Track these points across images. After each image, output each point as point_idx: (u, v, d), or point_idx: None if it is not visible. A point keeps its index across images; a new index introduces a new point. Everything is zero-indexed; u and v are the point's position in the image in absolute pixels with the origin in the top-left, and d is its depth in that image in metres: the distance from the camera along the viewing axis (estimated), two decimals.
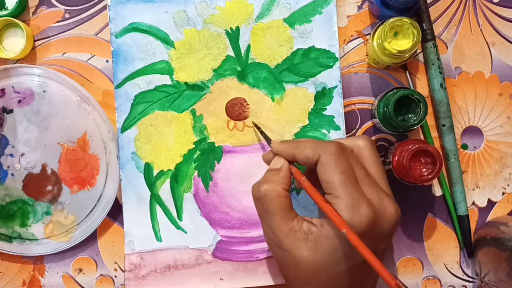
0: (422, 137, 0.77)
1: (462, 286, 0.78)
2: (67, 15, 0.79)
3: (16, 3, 0.77)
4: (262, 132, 0.72)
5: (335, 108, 0.75)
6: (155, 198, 0.75)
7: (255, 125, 0.75)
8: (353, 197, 0.57)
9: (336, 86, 0.75)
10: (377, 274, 0.58)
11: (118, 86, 0.76)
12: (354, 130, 0.78)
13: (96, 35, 0.79)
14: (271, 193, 0.61)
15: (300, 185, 0.62)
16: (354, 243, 0.55)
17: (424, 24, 0.75)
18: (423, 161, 0.71)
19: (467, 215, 0.76)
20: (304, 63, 0.75)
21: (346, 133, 0.76)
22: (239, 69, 0.75)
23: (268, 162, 0.67)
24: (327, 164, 0.59)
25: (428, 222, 0.78)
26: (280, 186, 0.62)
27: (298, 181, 0.63)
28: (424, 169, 0.71)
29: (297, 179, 0.62)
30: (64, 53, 0.79)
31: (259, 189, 0.62)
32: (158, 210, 0.76)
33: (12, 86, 0.77)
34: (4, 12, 0.77)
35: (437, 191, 0.78)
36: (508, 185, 0.78)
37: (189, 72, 0.76)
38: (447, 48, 0.78)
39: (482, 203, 0.78)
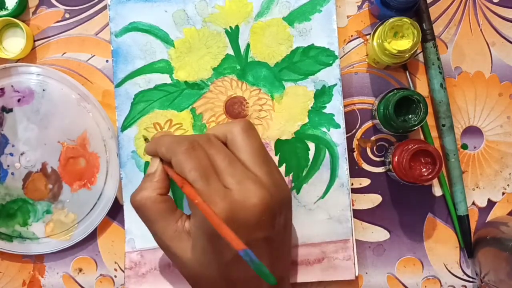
0: (422, 137, 0.77)
1: (462, 286, 0.78)
2: (67, 15, 0.79)
3: (16, 3, 0.77)
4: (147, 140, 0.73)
5: (335, 106, 0.75)
6: None
7: (145, 139, 0.75)
8: (205, 193, 0.56)
9: (336, 84, 0.75)
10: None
11: (118, 85, 0.76)
12: (354, 130, 0.78)
13: (96, 35, 0.79)
14: (146, 202, 0.60)
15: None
16: (203, 211, 0.54)
17: (424, 24, 0.76)
18: (423, 161, 0.71)
19: (467, 215, 0.76)
20: (303, 61, 0.75)
21: (347, 132, 0.76)
22: (238, 67, 0.76)
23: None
24: (177, 165, 0.58)
25: (428, 222, 0.78)
26: (154, 192, 0.61)
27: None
28: (424, 169, 0.71)
29: (174, 179, 0.60)
30: (64, 53, 0.79)
31: (135, 198, 0.61)
32: None
33: (12, 85, 0.77)
34: (4, 12, 0.78)
35: (437, 191, 0.78)
36: (508, 185, 0.78)
37: (189, 71, 0.76)
38: (447, 48, 0.78)
39: (482, 203, 0.78)
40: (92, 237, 0.79)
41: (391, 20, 0.69)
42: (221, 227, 0.53)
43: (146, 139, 0.74)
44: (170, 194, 0.64)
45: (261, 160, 0.61)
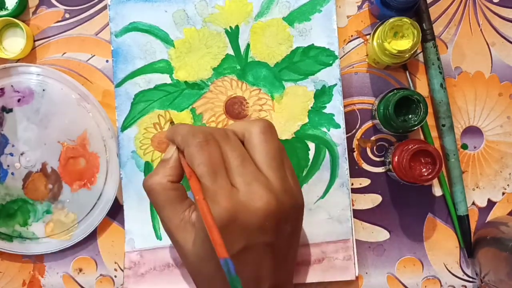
0: (422, 137, 0.77)
1: (462, 286, 0.78)
2: (67, 15, 0.79)
3: (16, 3, 0.77)
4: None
5: (335, 106, 0.75)
6: None
7: (171, 122, 0.74)
8: (210, 189, 0.56)
9: (336, 84, 0.75)
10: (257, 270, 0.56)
11: (118, 85, 0.76)
12: (354, 130, 0.78)
13: (96, 35, 0.79)
14: (156, 187, 0.60)
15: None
16: (200, 209, 0.54)
17: (424, 24, 0.75)
18: (423, 161, 0.71)
19: (467, 215, 0.76)
20: (303, 61, 0.75)
21: (347, 132, 0.76)
22: (238, 67, 0.76)
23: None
24: (188, 157, 0.58)
25: (428, 222, 0.78)
26: (165, 178, 0.61)
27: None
28: (424, 169, 0.71)
29: (185, 170, 0.61)
30: (64, 53, 0.79)
31: (146, 183, 0.61)
32: None
33: (12, 85, 0.77)
34: (4, 12, 0.78)
35: (437, 191, 0.78)
36: (508, 185, 0.78)
37: (189, 71, 0.76)
38: (447, 48, 0.78)
39: (482, 203, 0.78)
40: (92, 237, 0.79)
41: (391, 20, 0.69)
42: (212, 230, 0.52)
43: (171, 123, 0.72)
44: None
45: (276, 164, 0.60)
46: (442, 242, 0.78)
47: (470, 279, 0.78)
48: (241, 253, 0.56)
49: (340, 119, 0.75)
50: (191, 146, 0.58)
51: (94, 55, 0.79)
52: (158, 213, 0.62)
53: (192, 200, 0.62)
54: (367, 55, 0.78)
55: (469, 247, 0.77)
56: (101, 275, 0.80)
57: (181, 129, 0.61)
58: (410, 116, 0.72)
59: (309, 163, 0.75)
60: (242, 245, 0.56)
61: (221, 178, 0.57)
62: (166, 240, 0.75)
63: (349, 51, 0.78)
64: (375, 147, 0.78)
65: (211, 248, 0.56)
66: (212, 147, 0.58)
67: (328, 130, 0.75)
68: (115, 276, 0.79)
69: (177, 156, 0.62)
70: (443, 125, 0.76)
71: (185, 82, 0.76)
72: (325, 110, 0.75)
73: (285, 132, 0.75)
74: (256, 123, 0.61)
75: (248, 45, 0.76)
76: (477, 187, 0.78)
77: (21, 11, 0.79)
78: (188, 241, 0.59)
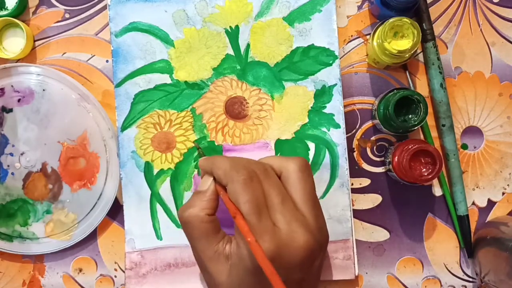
0: (422, 137, 0.77)
1: (462, 286, 0.78)
2: (67, 15, 0.79)
3: (16, 3, 0.77)
4: (201, 152, 0.73)
5: (335, 106, 0.75)
6: (155, 197, 0.76)
7: (196, 146, 0.75)
8: (255, 228, 0.56)
9: (336, 84, 0.75)
10: None
11: (118, 85, 0.76)
12: (354, 130, 0.78)
13: (96, 35, 0.79)
14: (193, 219, 0.61)
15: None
16: (254, 253, 0.55)
17: (424, 24, 0.75)
18: (423, 161, 0.71)
19: (467, 215, 0.76)
20: (303, 61, 0.75)
21: (347, 132, 0.76)
22: (238, 67, 0.76)
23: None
24: (232, 193, 0.58)
25: (428, 222, 0.78)
26: (203, 211, 0.61)
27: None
28: (424, 169, 0.71)
29: (227, 205, 0.60)
30: (64, 53, 0.79)
31: (183, 214, 0.62)
32: (159, 208, 0.76)
33: (12, 85, 0.77)
34: (4, 12, 0.78)
35: (437, 191, 0.78)
36: (508, 185, 0.78)
37: (189, 71, 0.76)
38: (447, 48, 0.78)
39: (482, 203, 0.78)
40: (92, 237, 0.79)
41: (391, 20, 0.70)
42: (273, 276, 0.53)
43: (199, 150, 0.73)
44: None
45: (312, 203, 0.61)
46: (442, 242, 0.78)
47: (470, 279, 0.78)
48: None
49: (340, 119, 0.75)
50: (235, 182, 0.59)
51: (94, 55, 0.79)
52: (191, 243, 0.62)
53: (224, 232, 0.63)
54: (367, 55, 0.78)
55: (469, 247, 0.77)
56: (101, 275, 0.80)
57: (222, 163, 0.61)
58: (410, 116, 0.72)
59: (309, 163, 0.75)
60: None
61: (264, 216, 0.57)
62: (167, 240, 0.76)
63: (349, 51, 0.78)
64: (375, 147, 0.78)
65: (249, 283, 0.58)
66: (255, 184, 0.59)
67: (328, 130, 0.75)
68: (115, 276, 0.79)
69: (214, 189, 0.62)
70: (443, 125, 0.76)
71: (185, 82, 0.76)
72: (325, 110, 0.75)
73: (285, 132, 0.75)
74: (294, 161, 0.62)
75: (248, 45, 0.76)
76: (477, 187, 0.78)
77: (21, 11, 0.79)
78: (221, 272, 0.60)
